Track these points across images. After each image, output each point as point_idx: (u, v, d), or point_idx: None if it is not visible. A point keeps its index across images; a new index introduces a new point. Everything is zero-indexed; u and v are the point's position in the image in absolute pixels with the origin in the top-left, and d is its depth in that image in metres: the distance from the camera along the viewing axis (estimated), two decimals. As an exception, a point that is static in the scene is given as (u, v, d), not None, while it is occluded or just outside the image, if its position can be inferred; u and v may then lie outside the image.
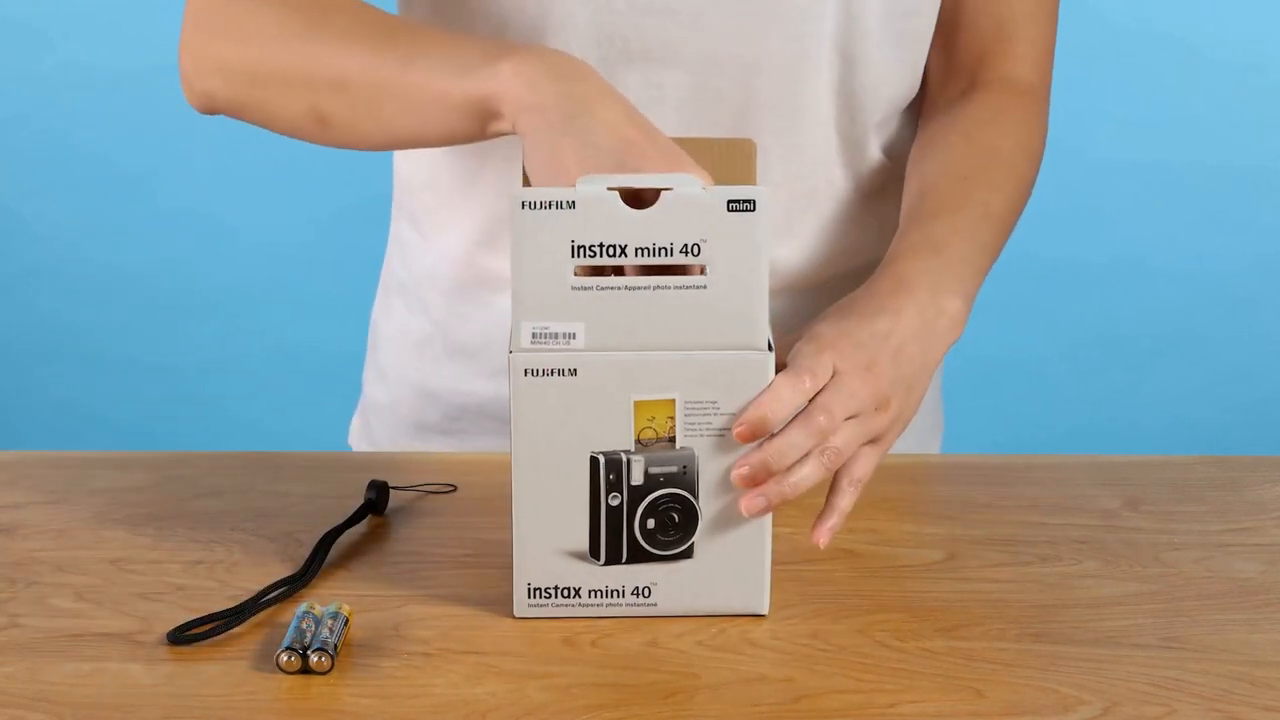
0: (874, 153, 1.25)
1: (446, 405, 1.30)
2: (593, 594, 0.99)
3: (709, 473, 0.97)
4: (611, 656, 0.95)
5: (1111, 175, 2.99)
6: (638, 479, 0.98)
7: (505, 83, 1.01)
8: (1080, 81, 2.92)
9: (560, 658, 0.95)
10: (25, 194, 3.08)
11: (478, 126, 1.04)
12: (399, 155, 1.30)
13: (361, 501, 1.11)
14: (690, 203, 0.94)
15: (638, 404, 0.96)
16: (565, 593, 0.99)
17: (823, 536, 1.01)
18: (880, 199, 1.27)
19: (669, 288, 0.95)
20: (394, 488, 1.13)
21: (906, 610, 1.00)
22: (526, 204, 0.94)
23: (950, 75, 1.26)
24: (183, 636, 0.96)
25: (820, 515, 1.01)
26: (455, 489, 1.15)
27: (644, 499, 0.98)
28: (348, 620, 0.96)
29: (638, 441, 0.97)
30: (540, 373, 0.96)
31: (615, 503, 0.98)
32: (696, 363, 0.96)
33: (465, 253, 1.27)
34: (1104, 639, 0.98)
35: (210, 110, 1.16)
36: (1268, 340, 3.07)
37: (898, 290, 1.06)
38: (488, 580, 1.03)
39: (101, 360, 3.10)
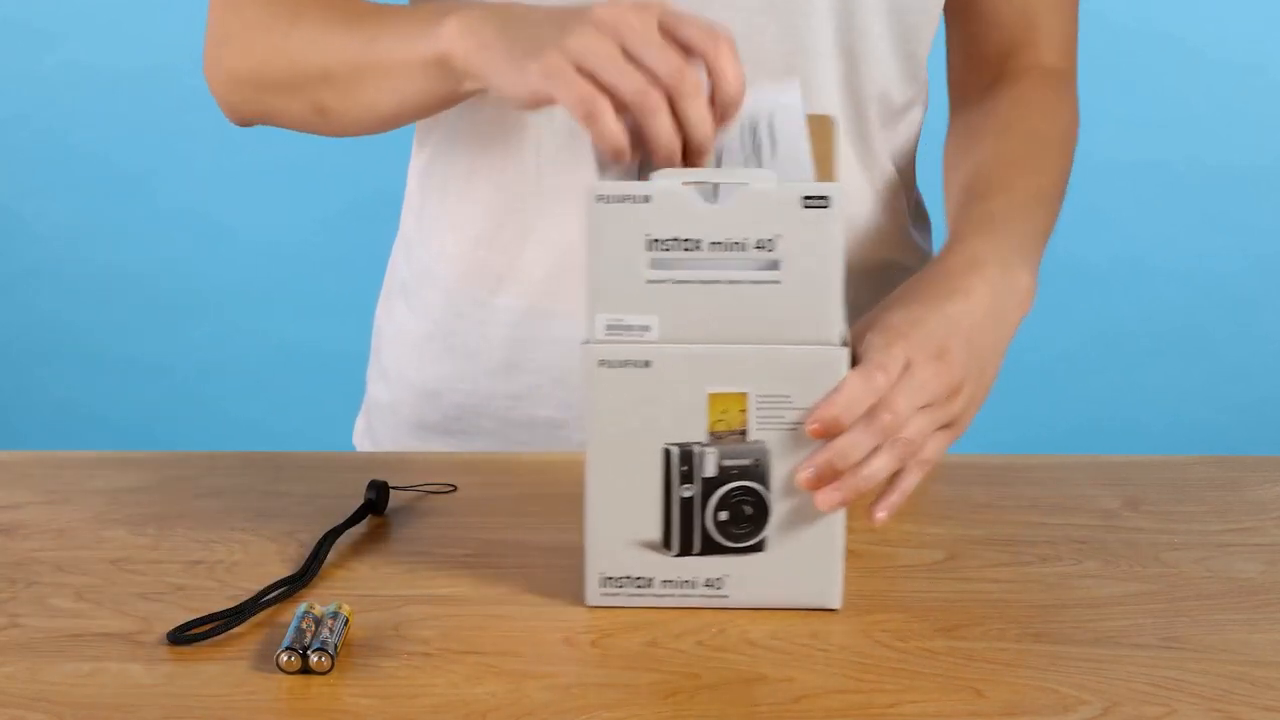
0: (882, 155, 1.25)
1: (448, 405, 1.30)
2: (665, 584, 1.00)
3: (781, 466, 0.98)
4: (611, 656, 0.95)
5: (1111, 175, 2.98)
6: (710, 471, 0.98)
7: (451, 40, 1.05)
8: (1080, 81, 2.92)
9: (560, 658, 0.95)
10: (25, 194, 3.08)
11: (447, 87, 1.08)
12: (412, 151, 1.31)
13: (361, 501, 1.11)
14: (764, 198, 0.95)
15: (711, 396, 0.97)
16: (638, 582, 1.00)
17: (881, 511, 1.00)
18: (890, 201, 1.27)
19: (743, 282, 0.96)
20: (394, 488, 1.13)
21: (906, 610, 1.00)
22: (601, 197, 0.95)
23: (975, 70, 1.27)
24: (183, 636, 0.96)
25: (882, 492, 1.00)
26: (455, 489, 1.15)
27: (716, 491, 0.98)
28: (348, 620, 0.96)
29: (710, 434, 0.98)
30: (614, 364, 0.97)
31: (688, 494, 0.99)
32: (769, 357, 0.96)
33: (465, 251, 1.27)
34: (1104, 639, 0.98)
35: (244, 122, 1.22)
36: (1268, 340, 3.07)
37: (969, 269, 1.06)
38: (488, 580, 1.03)
39: (101, 360, 3.10)
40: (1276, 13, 3.03)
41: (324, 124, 1.17)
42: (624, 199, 0.95)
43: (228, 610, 0.98)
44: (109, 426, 3.07)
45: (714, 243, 0.95)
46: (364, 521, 1.10)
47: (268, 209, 3.06)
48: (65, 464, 1.19)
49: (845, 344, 0.96)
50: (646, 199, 0.95)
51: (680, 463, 0.98)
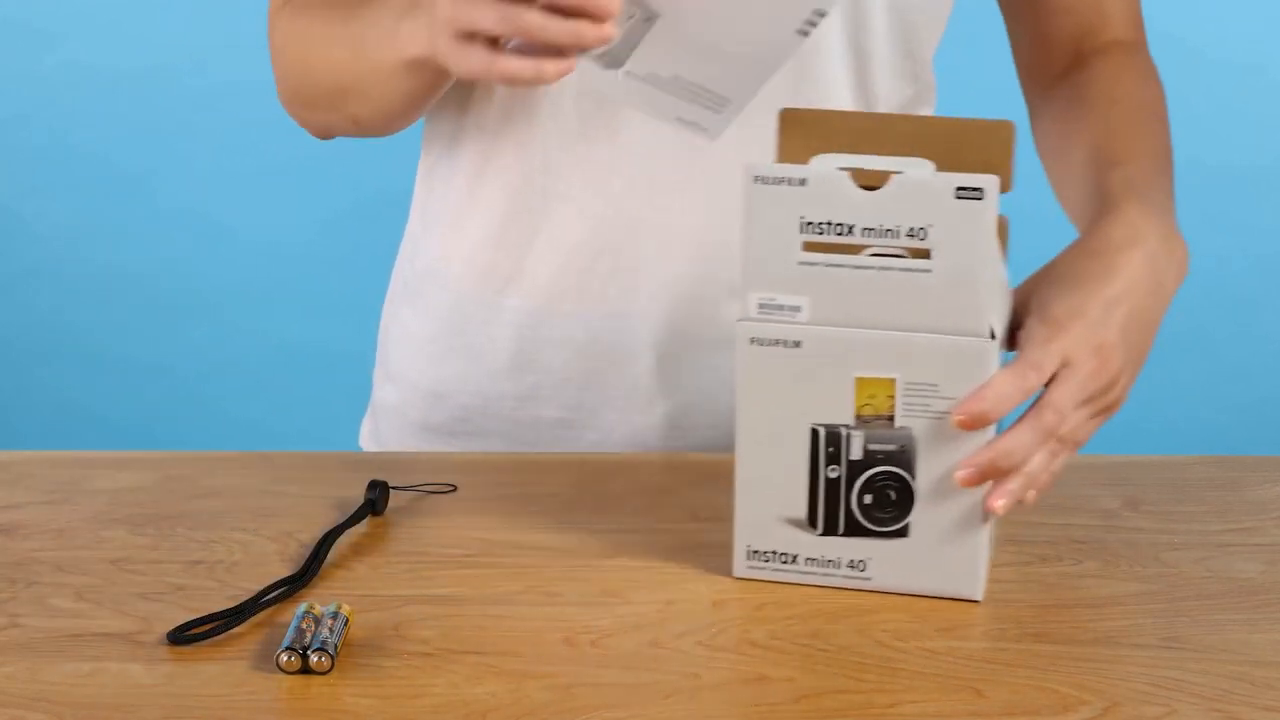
0: None
1: (454, 406, 1.30)
2: (809, 562, 1.02)
3: (927, 454, 0.99)
4: (611, 656, 0.95)
5: (1112, 175, 2.98)
6: (857, 454, 1.00)
7: (416, 40, 1.08)
8: (1080, 81, 2.92)
9: (560, 658, 0.95)
10: (25, 194, 3.08)
11: (430, 80, 1.13)
12: (420, 152, 1.31)
13: (361, 501, 1.11)
14: (919, 187, 0.96)
15: (858, 380, 0.99)
16: (783, 558, 1.02)
17: (1002, 499, 0.98)
18: None
19: (893, 269, 0.97)
20: (394, 488, 1.13)
21: (906, 610, 1.00)
22: (760, 178, 0.97)
23: (1048, 58, 1.29)
24: (183, 636, 0.96)
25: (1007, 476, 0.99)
26: (455, 489, 1.15)
27: (862, 474, 1.00)
28: (348, 620, 0.96)
29: (857, 417, 0.99)
30: (765, 342, 0.99)
31: (834, 475, 1.00)
32: (918, 345, 0.98)
33: (471, 252, 1.27)
34: (1104, 639, 0.98)
35: (323, 137, 1.26)
36: (1268, 340, 3.06)
37: (1129, 243, 1.05)
38: (488, 580, 1.03)
39: (101, 360, 3.10)
40: (1276, 13, 3.03)
41: (365, 130, 1.21)
42: (780, 180, 0.97)
43: (228, 610, 0.98)
44: (109, 426, 3.07)
45: (866, 228, 0.97)
46: (364, 521, 1.10)
47: (268, 209, 3.06)
48: (65, 464, 1.18)
49: (994, 336, 0.97)
50: (803, 182, 0.97)
51: (827, 444, 1.00)
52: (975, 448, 0.98)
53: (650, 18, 1.00)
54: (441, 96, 1.24)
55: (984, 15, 1.32)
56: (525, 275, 1.25)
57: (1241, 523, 1.12)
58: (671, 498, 1.12)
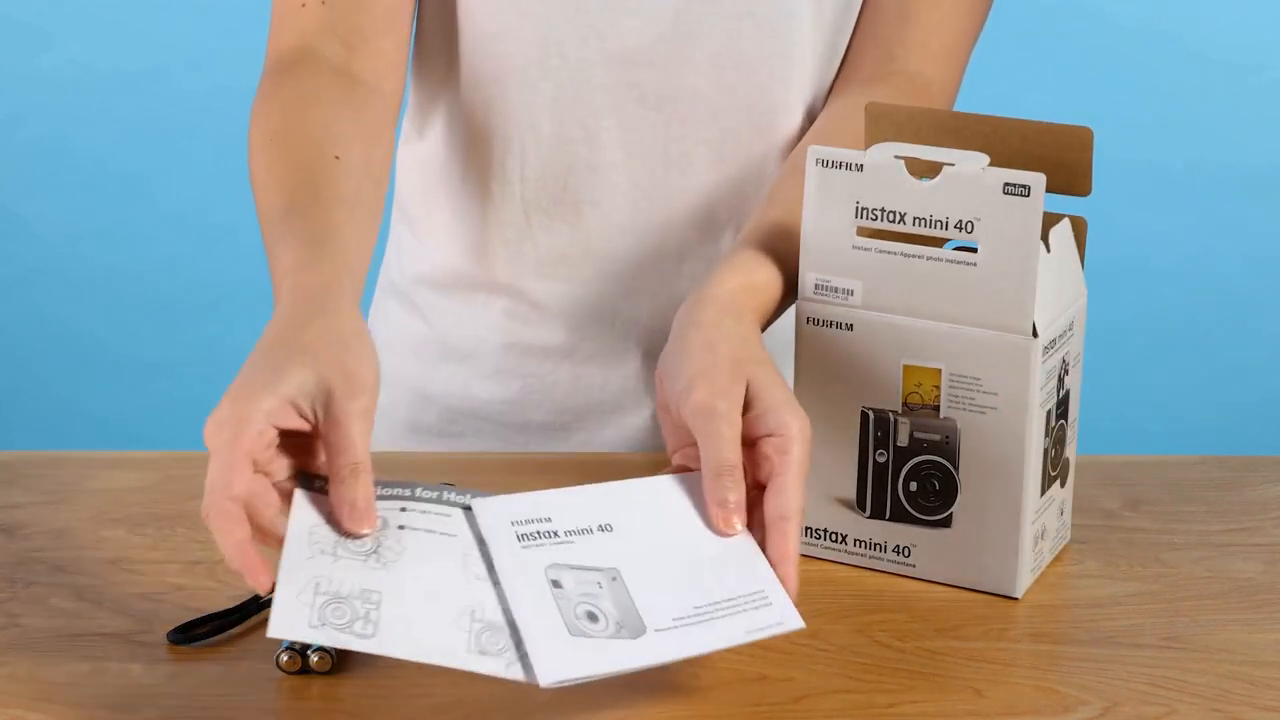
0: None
1: (443, 408, 1.29)
2: (858, 543, 1.04)
3: (969, 447, 1.00)
4: (611, 656, 0.95)
5: (1111, 175, 2.98)
6: (903, 440, 1.01)
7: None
8: (1081, 82, 2.93)
9: (560, 658, 0.95)
10: (25, 194, 3.08)
11: None
12: (398, 159, 1.30)
13: (361, 501, 1.11)
14: (969, 180, 0.97)
15: (906, 368, 1.00)
16: (834, 537, 1.04)
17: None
18: None
19: (941, 260, 0.98)
20: (394, 488, 1.13)
21: (906, 610, 1.00)
22: (820, 161, 0.99)
23: (858, 58, 1.21)
24: (183, 636, 0.96)
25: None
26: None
27: (908, 461, 1.01)
28: (348, 620, 0.96)
29: (905, 404, 1.00)
30: (820, 323, 1.01)
31: (881, 460, 1.02)
32: (963, 337, 0.99)
33: (460, 255, 1.27)
34: (1104, 639, 0.98)
35: None
36: (1268, 340, 3.06)
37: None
38: (488, 580, 1.03)
39: (101, 360, 3.10)
40: (1276, 13, 3.03)
41: None
42: (839, 165, 0.99)
43: (228, 610, 0.98)
44: (109, 426, 3.07)
45: (917, 218, 0.98)
46: (364, 521, 1.10)
47: (268, 209, 3.06)
48: (65, 464, 1.18)
49: (1036, 334, 0.98)
50: (860, 167, 0.99)
51: (876, 428, 1.01)
52: (1012, 445, 0.99)
53: (615, 575, 0.92)
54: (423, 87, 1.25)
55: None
56: (511, 282, 1.25)
57: (1241, 523, 1.12)
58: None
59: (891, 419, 1.01)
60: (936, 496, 1.01)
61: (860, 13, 1.21)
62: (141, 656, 0.95)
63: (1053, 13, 2.98)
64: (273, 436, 0.90)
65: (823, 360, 1.02)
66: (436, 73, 1.24)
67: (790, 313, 1.04)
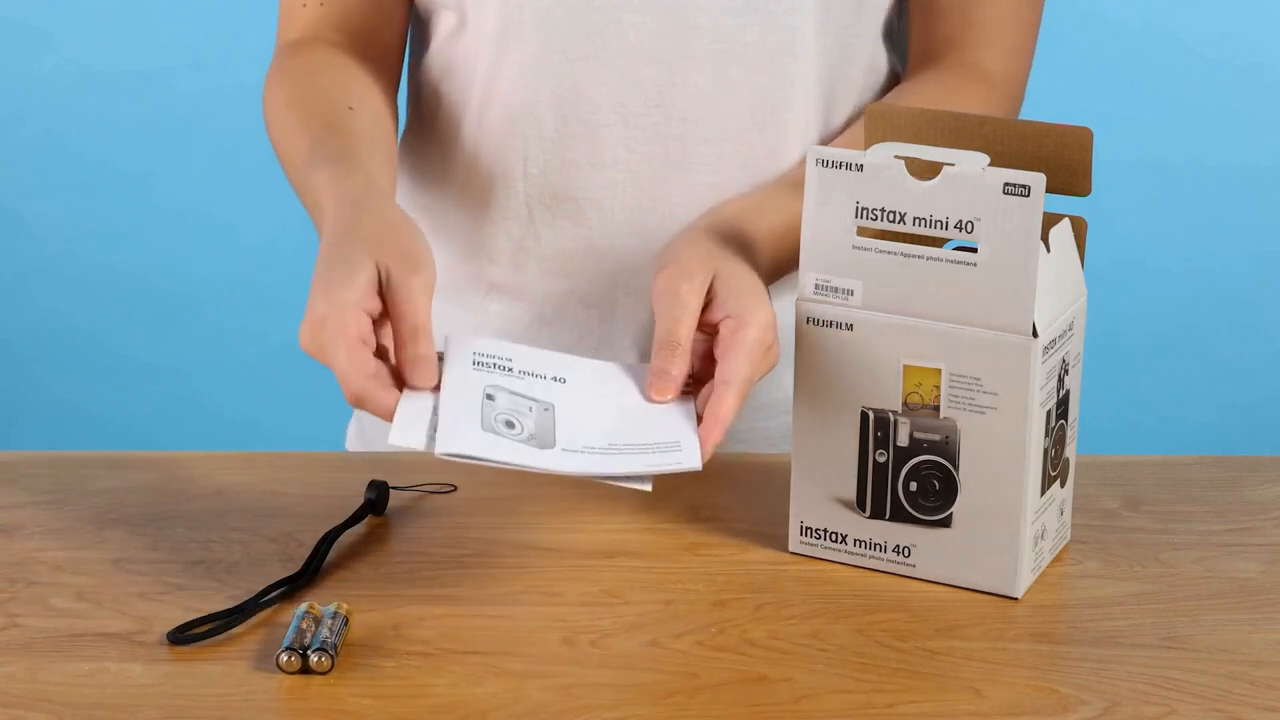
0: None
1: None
2: (858, 543, 1.04)
3: (969, 447, 1.00)
4: (611, 656, 0.95)
5: (1111, 175, 2.98)
6: (903, 440, 1.01)
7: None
8: (1081, 81, 2.92)
9: (560, 658, 0.95)
10: (25, 194, 3.07)
11: None
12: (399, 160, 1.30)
13: (361, 501, 1.11)
14: (968, 181, 0.97)
15: (906, 368, 1.00)
16: (833, 537, 1.04)
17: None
18: None
19: (941, 260, 0.98)
20: (394, 488, 1.13)
21: (906, 610, 1.00)
22: (820, 161, 0.99)
23: (921, 61, 1.24)
24: (183, 636, 0.96)
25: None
26: (455, 489, 1.14)
27: (908, 461, 1.01)
28: (348, 620, 0.96)
29: (905, 404, 1.00)
30: (820, 323, 1.02)
31: (881, 459, 1.02)
32: (962, 337, 0.99)
33: (456, 261, 1.26)
34: (1104, 639, 0.98)
35: None
36: (1268, 340, 3.06)
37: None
38: (488, 580, 1.03)
39: (101, 360, 3.10)
40: (1276, 13, 3.03)
41: None
42: (839, 165, 0.99)
43: (228, 610, 0.98)
44: (109, 426, 3.06)
45: (917, 218, 0.98)
46: (364, 521, 1.10)
47: (268, 209, 3.05)
48: (65, 464, 1.18)
49: (1036, 334, 0.98)
50: (860, 168, 0.99)
51: (876, 428, 1.01)
52: (1012, 445, 0.99)
53: (548, 407, 1.01)
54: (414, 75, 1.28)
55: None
56: (511, 283, 1.25)
57: (1241, 523, 1.12)
58: (671, 497, 1.12)
59: (891, 419, 1.01)
60: (936, 496, 1.02)
61: (920, 19, 1.23)
62: (141, 656, 0.95)
63: (1053, 13, 2.97)
64: (368, 322, 0.99)
65: (823, 360, 1.02)
66: (437, 69, 1.24)
67: (790, 313, 1.04)
